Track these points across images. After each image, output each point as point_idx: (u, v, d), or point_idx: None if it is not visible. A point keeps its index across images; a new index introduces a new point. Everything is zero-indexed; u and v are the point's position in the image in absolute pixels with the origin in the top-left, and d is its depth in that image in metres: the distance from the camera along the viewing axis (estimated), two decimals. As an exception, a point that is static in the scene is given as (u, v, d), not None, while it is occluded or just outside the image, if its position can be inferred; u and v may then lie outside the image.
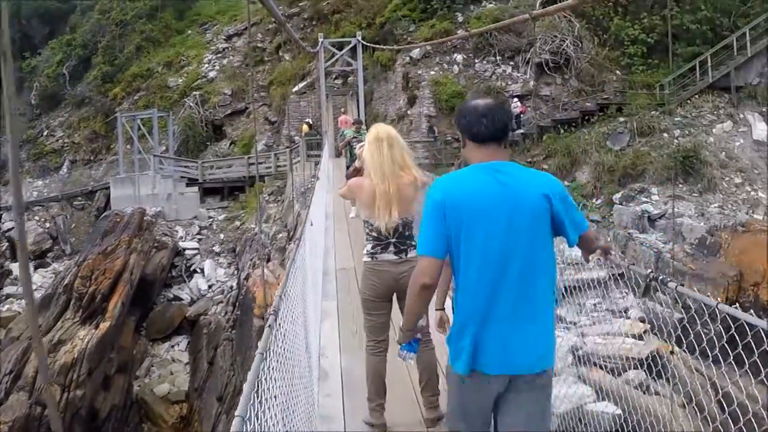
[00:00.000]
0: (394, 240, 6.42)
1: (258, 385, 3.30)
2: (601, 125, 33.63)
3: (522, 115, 34.78)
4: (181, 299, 28.32)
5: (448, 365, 4.45)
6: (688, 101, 34.14)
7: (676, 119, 32.96)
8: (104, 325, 22.25)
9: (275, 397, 3.67)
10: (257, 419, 3.16)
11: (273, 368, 3.78)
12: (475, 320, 4.16)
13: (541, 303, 4.22)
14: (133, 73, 50.52)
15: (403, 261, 6.39)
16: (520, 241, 4.14)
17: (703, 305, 4.11)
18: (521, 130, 34.35)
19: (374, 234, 6.49)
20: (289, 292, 5.31)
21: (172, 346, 26.88)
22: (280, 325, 4.40)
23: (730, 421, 4.09)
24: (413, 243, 6.28)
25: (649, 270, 5.11)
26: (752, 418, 4.29)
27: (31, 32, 59.59)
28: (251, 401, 3.08)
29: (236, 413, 2.94)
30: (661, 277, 4.95)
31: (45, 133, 51.91)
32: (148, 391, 23.90)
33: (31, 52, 56.46)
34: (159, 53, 51.90)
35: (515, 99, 35.50)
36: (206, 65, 49.87)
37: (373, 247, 6.54)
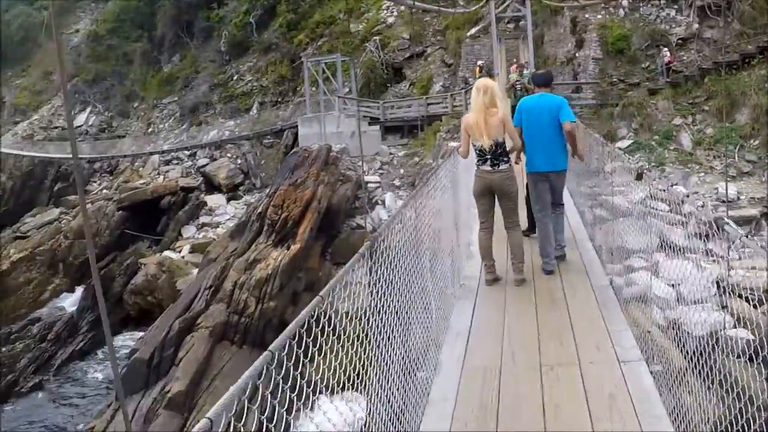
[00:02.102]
0: (490, 156, 9.82)
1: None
2: (761, 68, 32.99)
3: (669, 65, 35.15)
4: (363, 228, 30.08)
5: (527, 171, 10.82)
6: None
7: (838, 62, 32.22)
8: (294, 248, 24.33)
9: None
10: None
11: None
12: (531, 152, 10.53)
13: (557, 145, 10.42)
14: (316, 21, 52.57)
15: (495, 171, 9.86)
16: (545, 121, 10.37)
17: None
18: (668, 79, 34.74)
19: (478, 152, 9.95)
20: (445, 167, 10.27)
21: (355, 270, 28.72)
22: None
23: None
24: (504, 159, 9.90)
25: (639, 163, 8.03)
26: None
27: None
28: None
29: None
30: (642, 172, 8.73)
31: (235, 78, 54.67)
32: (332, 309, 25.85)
33: (217, 4, 58.87)
34: (340, 1, 53.46)
35: (665, 49, 35.76)
36: (384, 11, 51.41)
37: (477, 161, 10.09)
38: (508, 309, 9.02)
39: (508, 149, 10.04)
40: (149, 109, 58.52)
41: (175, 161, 46.57)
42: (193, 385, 19.36)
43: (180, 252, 34.16)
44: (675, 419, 5.51)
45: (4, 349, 27.82)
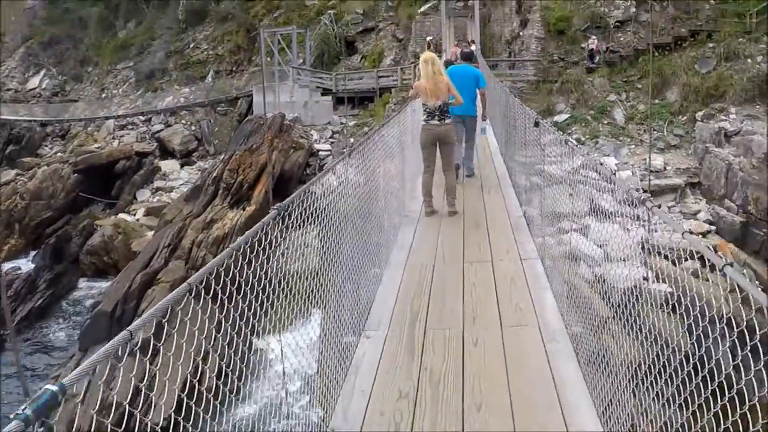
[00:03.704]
0: (437, 114, 12.56)
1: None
2: (692, 50, 35.40)
3: (595, 51, 37.23)
4: (314, 193, 31.17)
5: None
6: (776, 29, 35.50)
7: (760, 46, 34.24)
8: (250, 209, 25.57)
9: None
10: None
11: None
12: (455, 107, 13.36)
13: (471, 100, 15.20)
14: (269, -8, 53.44)
15: (442, 125, 12.65)
16: (465, 85, 14.61)
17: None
18: (593, 64, 36.93)
19: (427, 110, 12.64)
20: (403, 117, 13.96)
21: (305, 233, 29.87)
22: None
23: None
24: (448, 115, 12.75)
25: (536, 115, 11.33)
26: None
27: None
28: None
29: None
30: (539, 121, 11.14)
31: (191, 46, 55.19)
32: (284, 267, 27.06)
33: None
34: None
35: (593, 37, 37.82)
36: (341, -15, 52.28)
37: (425, 117, 12.73)
38: (442, 230, 12.14)
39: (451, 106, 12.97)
40: (103, 74, 58.66)
41: (130, 126, 46.99)
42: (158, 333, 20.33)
43: (135, 215, 34.83)
44: (602, 362, 6.66)
45: (-38, 307, 28.27)
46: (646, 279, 11.34)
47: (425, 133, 12.84)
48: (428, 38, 40.66)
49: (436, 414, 5.99)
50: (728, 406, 3.71)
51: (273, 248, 5.18)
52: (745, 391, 3.59)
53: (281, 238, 5.47)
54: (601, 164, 7.30)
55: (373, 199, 9.63)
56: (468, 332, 7.67)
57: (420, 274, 9.78)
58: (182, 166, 41.05)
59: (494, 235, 11.69)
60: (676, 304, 4.81)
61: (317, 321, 6.63)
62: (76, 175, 37.86)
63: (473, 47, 28.76)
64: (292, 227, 5.93)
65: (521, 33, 40.59)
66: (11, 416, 2.30)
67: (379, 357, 7.23)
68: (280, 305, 5.70)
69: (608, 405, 5.85)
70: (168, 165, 40.75)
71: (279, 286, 5.42)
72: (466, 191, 14.86)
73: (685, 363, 4.48)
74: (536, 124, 11.25)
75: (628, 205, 7.08)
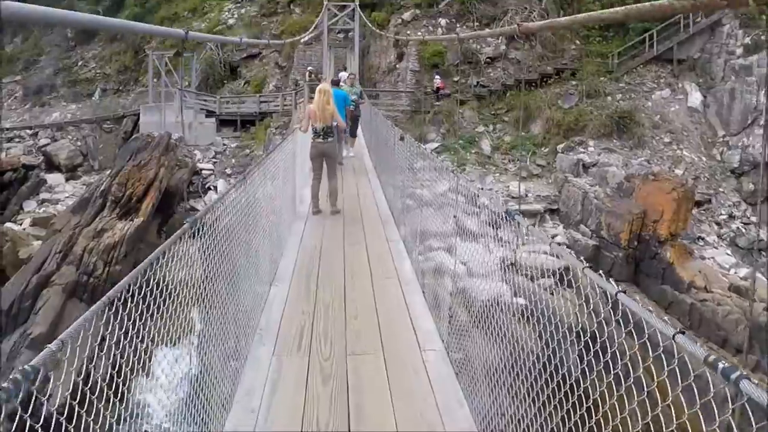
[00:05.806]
0: (322, 133, 15.74)
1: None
2: (556, 87, 38.62)
3: (441, 90, 40.14)
4: (196, 210, 32.81)
5: None
6: (634, 70, 39.14)
7: (620, 85, 37.92)
8: (138, 220, 27.21)
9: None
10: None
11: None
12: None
13: (341, 113, 18.38)
14: (161, 16, 54.84)
15: (326, 142, 15.84)
16: (338, 103, 17.74)
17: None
18: (438, 102, 39.63)
19: (314, 130, 15.79)
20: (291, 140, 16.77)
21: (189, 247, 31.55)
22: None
23: (622, 324, 4.33)
24: (331, 135, 15.89)
25: (400, 132, 14.68)
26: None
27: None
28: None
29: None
30: (404, 136, 14.26)
31: (79, 64, 56.39)
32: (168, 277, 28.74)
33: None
34: (186, 1, 56.43)
35: (437, 76, 40.74)
36: (226, 13, 54.47)
37: (313, 135, 15.89)
38: (326, 224, 15.47)
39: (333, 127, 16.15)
40: (-12, 87, 58.93)
41: (17, 139, 47.57)
42: (53, 329, 21.71)
43: (21, 225, 35.87)
44: (435, 298, 9.95)
45: None
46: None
47: (313, 149, 16.16)
48: (309, 68, 42.75)
49: (327, 321, 9.49)
50: (577, 404, 4.50)
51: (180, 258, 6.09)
52: (590, 389, 4.44)
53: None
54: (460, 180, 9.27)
55: (269, 204, 11.92)
56: (348, 282, 11.25)
57: (310, 252, 13.08)
58: (67, 180, 41.90)
59: (368, 227, 15.23)
60: (530, 316, 6.07)
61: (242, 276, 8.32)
62: (-39, 185, 38.54)
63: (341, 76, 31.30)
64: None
65: (398, 66, 43.06)
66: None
67: (286, 296, 10.60)
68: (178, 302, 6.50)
69: (440, 313, 9.27)
70: (54, 178, 41.48)
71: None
72: (346, 198, 17.97)
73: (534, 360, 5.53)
74: (401, 138, 14.57)
75: (492, 227, 8.13)
